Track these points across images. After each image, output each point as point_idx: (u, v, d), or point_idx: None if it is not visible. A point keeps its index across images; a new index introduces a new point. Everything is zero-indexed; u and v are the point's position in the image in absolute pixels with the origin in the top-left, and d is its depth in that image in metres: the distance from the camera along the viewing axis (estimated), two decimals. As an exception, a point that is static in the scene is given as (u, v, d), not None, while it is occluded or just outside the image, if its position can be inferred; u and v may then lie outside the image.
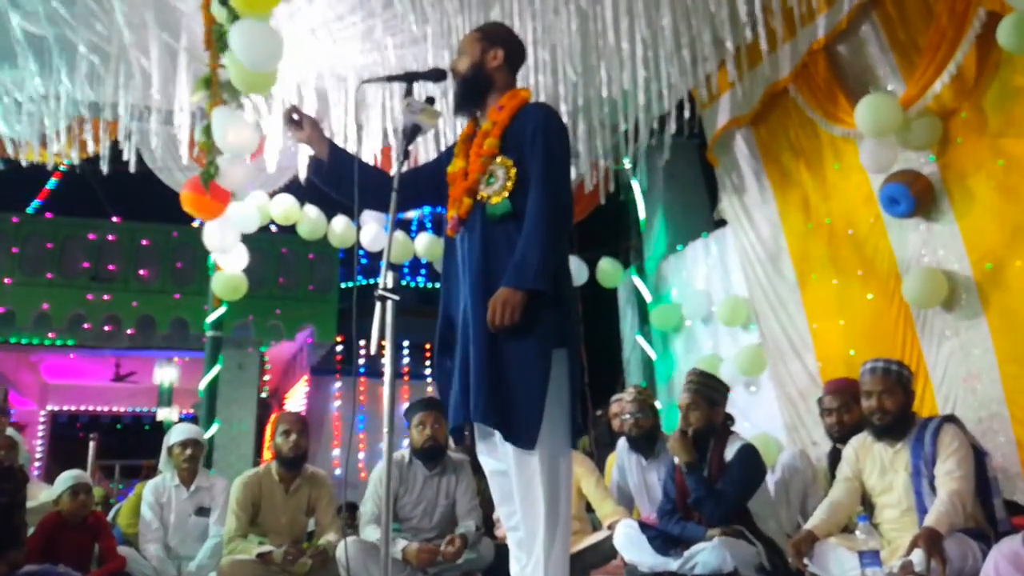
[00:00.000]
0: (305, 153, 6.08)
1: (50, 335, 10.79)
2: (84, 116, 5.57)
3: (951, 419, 3.44)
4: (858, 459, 3.60)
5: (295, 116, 2.89)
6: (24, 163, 5.94)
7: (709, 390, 3.92)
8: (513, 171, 2.67)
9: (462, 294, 2.76)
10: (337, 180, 2.87)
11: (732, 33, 5.13)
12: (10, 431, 4.30)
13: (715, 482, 3.72)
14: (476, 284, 2.65)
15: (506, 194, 2.65)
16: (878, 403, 3.45)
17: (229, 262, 5.81)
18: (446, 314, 2.80)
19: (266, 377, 12.35)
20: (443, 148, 5.89)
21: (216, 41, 4.38)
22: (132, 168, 5.87)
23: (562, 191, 2.69)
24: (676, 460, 3.90)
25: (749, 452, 3.79)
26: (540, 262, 2.54)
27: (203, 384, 6.45)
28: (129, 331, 10.82)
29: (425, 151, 6.08)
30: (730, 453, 3.78)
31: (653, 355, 7.06)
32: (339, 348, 12.87)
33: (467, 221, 2.75)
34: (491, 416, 2.54)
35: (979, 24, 4.08)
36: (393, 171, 2.62)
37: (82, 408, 14.55)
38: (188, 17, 5.01)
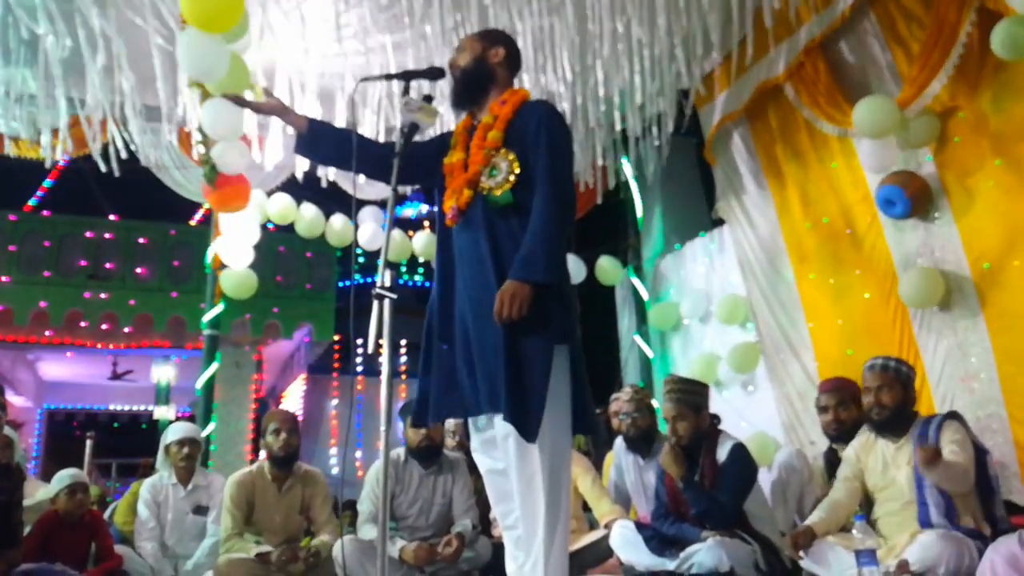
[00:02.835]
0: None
1: (47, 333, 10.78)
2: (81, 114, 5.55)
3: (955, 415, 3.46)
4: (859, 459, 3.62)
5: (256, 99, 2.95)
6: (18, 158, 5.93)
7: (692, 396, 3.85)
8: (516, 164, 2.67)
9: (458, 286, 2.75)
10: (320, 148, 2.93)
11: (728, 32, 5.14)
12: (6, 429, 4.29)
13: (711, 486, 3.71)
14: (484, 277, 2.65)
15: (508, 187, 2.66)
16: (875, 398, 3.49)
17: (235, 259, 5.82)
18: (439, 304, 2.79)
19: (264, 376, 12.36)
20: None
21: None
22: (125, 166, 5.85)
23: (567, 186, 2.70)
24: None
25: (741, 452, 3.78)
26: (547, 256, 2.55)
27: (200, 382, 6.44)
28: (126, 329, 10.80)
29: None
30: (722, 454, 3.76)
31: (651, 354, 7.05)
32: (336, 347, 12.88)
33: (467, 212, 2.75)
34: (510, 409, 2.52)
35: (970, 22, 4.08)
36: (392, 174, 2.61)
37: (79, 406, 14.54)
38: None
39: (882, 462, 3.51)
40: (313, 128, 2.91)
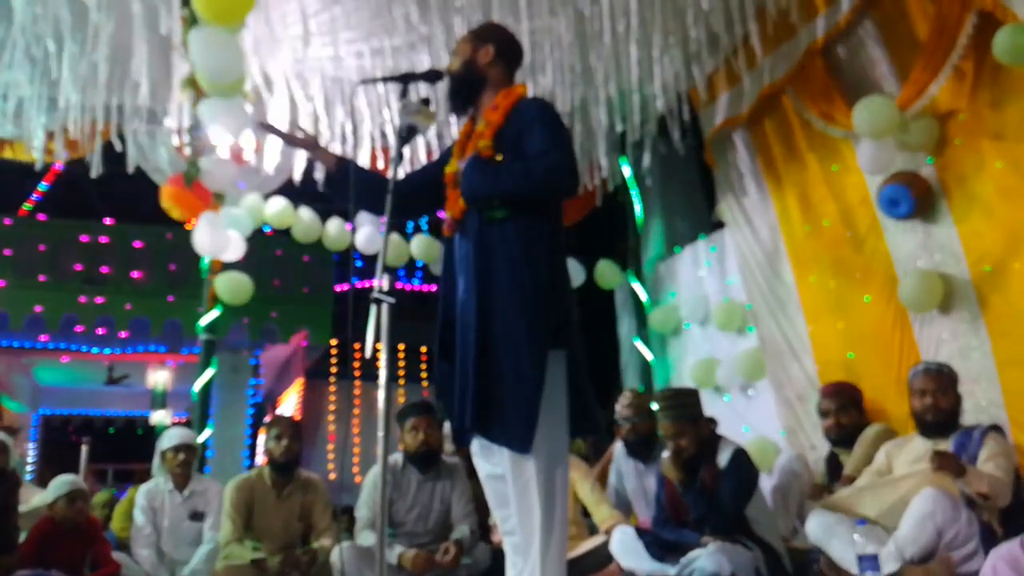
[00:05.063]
0: (301, 156, 6.06)
1: (42, 338, 10.72)
2: (76, 117, 5.53)
3: (997, 428, 3.52)
4: (888, 457, 3.70)
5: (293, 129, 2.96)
6: (12, 161, 5.89)
7: (689, 409, 3.86)
8: None
9: (458, 297, 2.73)
10: (348, 189, 2.87)
11: (729, 34, 5.13)
12: (1, 435, 4.26)
13: (712, 491, 3.70)
14: (472, 288, 2.63)
15: None
16: (933, 401, 3.57)
17: (226, 257, 5.77)
18: (445, 317, 2.77)
19: (260, 380, 12.30)
20: (441, 148, 5.89)
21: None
22: (120, 170, 5.83)
23: (567, 160, 2.64)
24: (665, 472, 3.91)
25: (741, 457, 3.79)
26: (491, 191, 2.60)
27: (197, 387, 6.40)
28: (122, 334, 10.76)
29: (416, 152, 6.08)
30: (723, 459, 3.77)
31: (651, 358, 7.03)
32: (334, 351, 12.83)
33: (462, 222, 2.73)
34: (479, 421, 2.54)
35: (971, 26, 4.07)
36: (389, 173, 2.61)
37: (75, 412, 14.46)
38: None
39: (913, 455, 3.58)
40: (342, 168, 2.91)
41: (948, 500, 3.10)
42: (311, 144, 3.02)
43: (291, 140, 3.07)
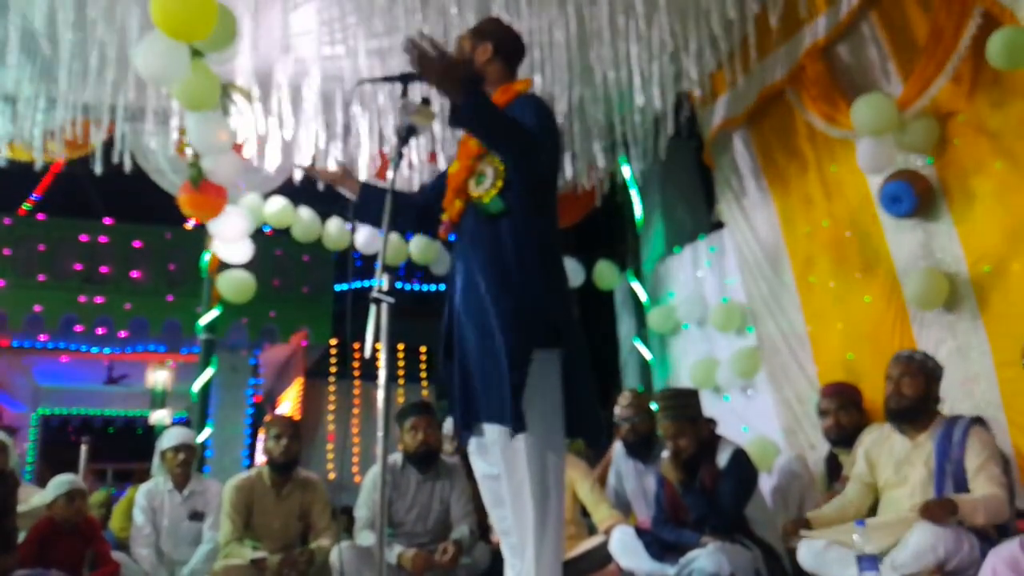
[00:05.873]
0: (302, 155, 6.06)
1: (42, 337, 10.72)
2: (76, 117, 5.52)
3: (980, 421, 3.43)
4: (868, 456, 3.63)
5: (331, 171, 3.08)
6: (12, 161, 5.88)
7: (688, 409, 3.85)
8: (502, 168, 2.64)
9: (456, 296, 2.74)
10: (372, 212, 2.89)
11: (729, 34, 5.13)
12: (1, 434, 4.26)
13: (712, 491, 3.70)
14: (468, 286, 2.64)
15: (496, 191, 2.63)
16: (895, 387, 3.47)
17: (233, 255, 5.77)
18: (447, 320, 2.78)
19: (260, 380, 12.31)
20: (439, 148, 5.89)
21: None
22: (128, 169, 5.82)
23: (546, 146, 2.64)
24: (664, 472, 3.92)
25: (740, 458, 3.80)
26: (483, 116, 2.52)
27: (196, 387, 6.41)
28: (121, 333, 10.76)
29: (419, 153, 6.08)
30: (722, 459, 3.77)
31: (650, 357, 7.03)
32: (334, 351, 12.83)
33: (459, 223, 2.74)
34: (476, 415, 2.57)
35: (975, 25, 4.07)
36: (389, 174, 2.61)
37: (74, 411, 14.47)
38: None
39: (895, 458, 3.50)
40: (365, 194, 2.94)
41: (950, 532, 3.00)
42: (339, 177, 3.05)
43: (323, 176, 3.14)
